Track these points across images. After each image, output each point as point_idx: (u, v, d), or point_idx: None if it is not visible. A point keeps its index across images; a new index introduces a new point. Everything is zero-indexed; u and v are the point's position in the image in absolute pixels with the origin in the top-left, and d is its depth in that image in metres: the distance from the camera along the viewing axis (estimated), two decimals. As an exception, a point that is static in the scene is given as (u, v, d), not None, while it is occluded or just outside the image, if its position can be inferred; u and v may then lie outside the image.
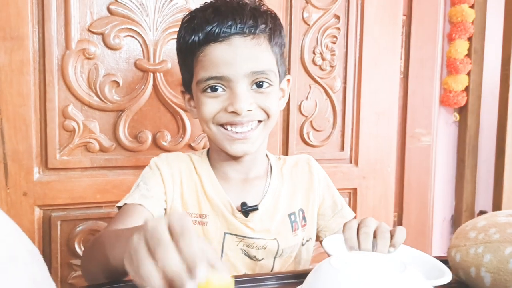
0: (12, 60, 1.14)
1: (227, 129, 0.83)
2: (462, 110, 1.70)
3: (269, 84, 0.83)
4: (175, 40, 1.26)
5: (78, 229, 1.25)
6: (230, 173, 0.92)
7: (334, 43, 1.47)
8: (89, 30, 1.21)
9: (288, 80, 0.94)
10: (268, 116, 0.84)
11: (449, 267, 0.60)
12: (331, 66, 1.47)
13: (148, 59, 1.26)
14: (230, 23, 0.79)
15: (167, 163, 0.91)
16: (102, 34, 1.22)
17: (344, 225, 0.71)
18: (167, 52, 1.28)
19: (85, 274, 0.78)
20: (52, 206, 1.21)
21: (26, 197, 1.18)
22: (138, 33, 1.24)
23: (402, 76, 1.59)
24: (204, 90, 0.82)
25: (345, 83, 1.49)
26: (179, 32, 0.88)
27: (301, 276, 0.65)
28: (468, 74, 1.65)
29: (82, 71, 1.22)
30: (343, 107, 1.49)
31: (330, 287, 0.42)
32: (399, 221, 1.63)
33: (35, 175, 1.19)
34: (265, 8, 0.87)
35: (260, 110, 0.83)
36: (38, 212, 1.20)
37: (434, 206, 1.68)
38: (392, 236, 0.68)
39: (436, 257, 0.66)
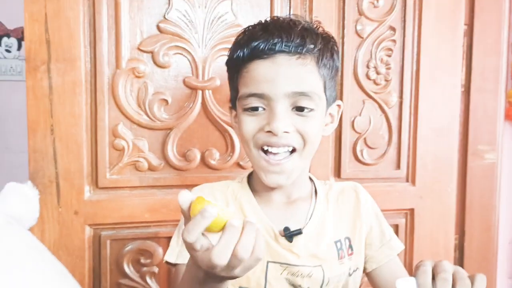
0: (64, 81, 1.15)
1: (265, 153, 0.80)
2: (530, 125, 1.58)
3: (311, 108, 0.79)
4: (224, 57, 1.26)
5: (127, 248, 1.24)
6: (272, 196, 0.89)
7: (390, 56, 1.39)
8: (139, 49, 1.21)
9: (338, 106, 0.90)
10: (305, 143, 0.80)
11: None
12: (386, 80, 1.39)
13: (197, 76, 1.25)
14: (276, 40, 0.76)
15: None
16: (151, 52, 1.22)
17: (417, 267, 0.64)
18: (216, 69, 1.26)
19: None
20: (102, 225, 1.22)
21: (77, 216, 1.19)
22: (187, 50, 1.23)
23: (463, 89, 1.49)
24: (245, 109, 0.80)
25: (401, 97, 1.41)
26: (230, 49, 0.87)
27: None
28: (536, 85, 1.53)
29: (131, 89, 1.22)
30: (399, 123, 1.41)
31: None
32: (460, 244, 1.53)
33: (86, 194, 1.20)
34: (320, 30, 0.83)
35: (297, 134, 0.79)
36: (88, 231, 1.21)
37: (499, 228, 1.56)
38: (472, 284, 0.61)
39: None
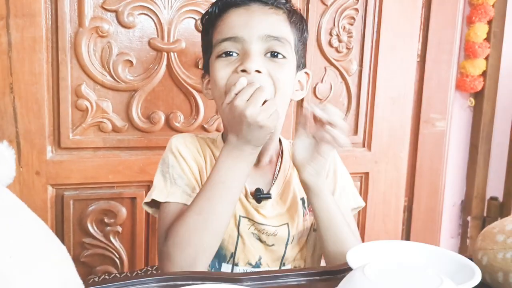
0: (24, 38, 1.11)
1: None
2: (478, 95, 1.67)
3: (284, 56, 0.80)
4: (190, 19, 1.25)
5: (90, 208, 1.25)
6: None
7: (352, 24, 1.43)
8: (102, 7, 1.18)
9: (307, 74, 0.91)
10: (276, 91, 0.78)
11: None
12: (347, 48, 1.43)
13: (162, 38, 1.24)
14: None
15: (186, 146, 0.90)
16: (115, 11, 1.19)
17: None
18: (182, 31, 1.25)
19: (181, 258, 0.75)
20: (64, 185, 1.21)
21: (38, 176, 1.17)
22: (153, 11, 1.21)
23: (418, 59, 1.55)
24: (219, 56, 0.80)
25: (361, 66, 1.46)
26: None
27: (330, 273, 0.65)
28: (486, 58, 1.61)
29: (95, 49, 1.19)
30: (358, 91, 1.47)
31: (365, 299, 0.41)
32: (409, 206, 1.63)
33: (48, 154, 1.18)
34: None
35: (269, 78, 0.78)
36: (50, 191, 1.20)
37: (445, 191, 1.67)
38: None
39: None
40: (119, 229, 1.28)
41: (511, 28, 1.64)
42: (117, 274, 1.23)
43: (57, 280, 0.44)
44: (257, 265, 0.88)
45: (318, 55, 1.40)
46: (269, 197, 0.88)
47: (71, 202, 1.23)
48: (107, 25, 1.19)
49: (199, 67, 1.27)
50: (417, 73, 1.56)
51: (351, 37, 1.43)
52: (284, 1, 0.83)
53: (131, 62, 1.22)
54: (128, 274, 1.20)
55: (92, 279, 1.17)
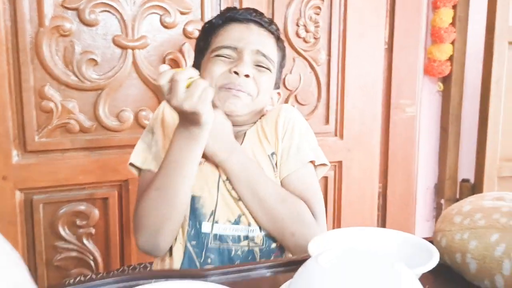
0: (-18, 40, 1.09)
1: (225, 90, 0.90)
2: (446, 80, 1.69)
3: (268, 68, 0.93)
4: (154, 15, 1.24)
5: (61, 211, 1.23)
6: None
7: (318, 14, 1.43)
8: (63, 6, 1.16)
9: (278, 94, 1.03)
10: (258, 93, 0.92)
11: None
12: (315, 38, 1.43)
13: (127, 35, 1.22)
14: (251, 12, 0.96)
15: (161, 121, 0.95)
16: (77, 9, 1.17)
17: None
18: (146, 27, 1.24)
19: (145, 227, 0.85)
20: (33, 189, 1.19)
21: (5, 181, 1.15)
22: (115, 7, 1.20)
23: (386, 46, 1.56)
24: (217, 56, 0.92)
25: (329, 55, 1.46)
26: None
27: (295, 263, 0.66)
28: (453, 43, 1.63)
29: (57, 49, 1.17)
30: (328, 80, 1.47)
31: (316, 286, 0.41)
32: (383, 192, 1.65)
33: (14, 158, 1.16)
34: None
35: (254, 82, 0.91)
36: (19, 196, 1.18)
37: (418, 175, 1.69)
38: None
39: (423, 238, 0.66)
40: (92, 230, 1.27)
41: (475, 12, 1.66)
42: (92, 276, 1.22)
43: (6, 284, 0.43)
44: (236, 222, 0.89)
45: (286, 46, 1.38)
46: None
47: (41, 206, 1.21)
48: (68, 23, 1.17)
49: (166, 63, 1.26)
50: (385, 60, 1.57)
51: (318, 27, 1.43)
52: (275, 28, 0.98)
53: (95, 60, 1.20)
54: (103, 274, 1.18)
55: (67, 281, 1.16)
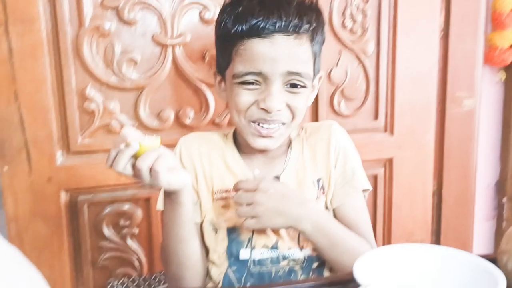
0: (24, 43, 1.10)
1: (255, 125, 0.85)
2: (509, 69, 1.55)
3: (302, 86, 0.84)
4: (194, 11, 1.21)
5: (105, 211, 1.23)
6: (253, 153, 0.93)
7: (366, 2, 1.34)
8: (102, 5, 1.15)
9: (320, 77, 0.94)
10: (293, 118, 0.86)
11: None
12: (362, 29, 1.35)
13: (166, 32, 1.20)
14: (275, 20, 0.79)
15: (185, 148, 0.94)
16: (116, 8, 1.16)
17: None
18: (185, 24, 1.21)
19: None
20: (77, 190, 1.20)
21: (50, 183, 1.17)
22: (153, 5, 1.17)
23: (441, 34, 1.45)
24: (241, 83, 0.83)
25: (378, 46, 1.37)
26: (220, 15, 0.87)
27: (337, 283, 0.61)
28: (516, 28, 1.49)
29: (97, 49, 1.17)
30: (377, 73, 1.38)
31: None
32: (438, 191, 1.54)
33: (58, 160, 1.17)
34: (310, 1, 0.86)
35: (288, 110, 0.84)
36: (64, 197, 1.19)
37: (477, 173, 1.57)
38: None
39: (483, 256, 0.58)
40: (136, 230, 1.26)
41: (543, -7, 1.51)
42: (136, 277, 1.22)
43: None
44: (274, 247, 0.89)
45: (332, 38, 1.32)
46: (277, 178, 0.91)
47: (85, 206, 1.22)
48: (108, 23, 1.16)
49: (206, 60, 1.23)
50: (441, 49, 1.46)
51: (365, 16, 1.34)
52: (308, 26, 0.82)
53: (135, 60, 1.19)
54: (145, 277, 1.18)
55: (111, 283, 1.17)
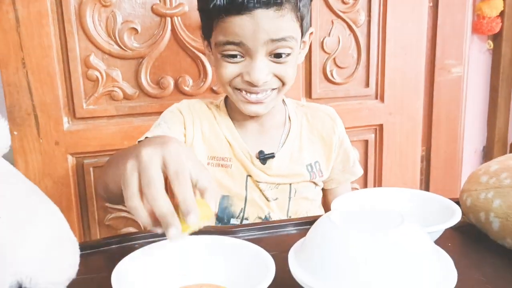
0: (30, 12, 1.14)
1: (242, 93, 0.85)
2: (497, 37, 1.61)
3: (288, 53, 0.82)
4: (191, -18, 1.25)
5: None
6: (247, 123, 0.95)
7: (358, -28, 1.39)
8: (103, -24, 1.19)
9: (311, 33, 0.92)
10: (283, 84, 0.86)
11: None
12: (354, -2, 1.40)
13: (165, 3, 1.25)
14: None
15: (188, 108, 0.97)
16: (116, -21, 1.20)
17: None
18: (184, -6, 1.26)
19: (98, 194, 0.84)
20: (83, 154, 1.27)
21: (58, 146, 1.23)
22: (152, -24, 1.22)
23: (430, 4, 1.50)
24: (223, 55, 0.82)
25: (369, 16, 1.42)
26: None
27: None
28: (504, -3, 1.54)
29: (100, 19, 1.22)
30: (368, 42, 1.44)
31: (327, 241, 0.43)
32: (427, 155, 1.61)
33: (65, 125, 1.23)
34: None
35: (276, 78, 0.84)
36: (71, 160, 1.26)
37: (464, 138, 1.64)
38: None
39: (451, 199, 0.66)
40: (139, 192, 1.33)
41: (531, -37, 1.55)
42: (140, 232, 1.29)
43: (48, 237, 0.48)
44: (266, 218, 0.93)
45: (324, 8, 1.38)
46: (273, 157, 0.92)
47: (91, 169, 1.28)
48: (109, -7, 1.20)
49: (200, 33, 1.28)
50: (430, 19, 1.51)
51: (357, -14, 1.39)
52: None
53: (136, 29, 1.24)
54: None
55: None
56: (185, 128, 0.93)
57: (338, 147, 0.99)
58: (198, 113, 0.96)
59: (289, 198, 0.94)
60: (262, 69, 0.80)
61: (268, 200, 0.93)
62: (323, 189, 1.04)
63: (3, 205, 0.45)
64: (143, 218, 0.48)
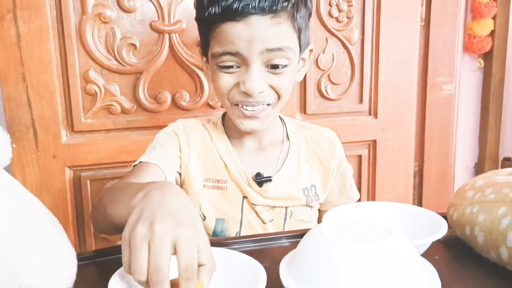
0: (31, 29, 1.17)
1: (239, 107, 0.84)
2: (487, 56, 1.65)
3: (285, 64, 0.81)
4: (189, 0, 1.28)
5: (106, 187, 1.32)
6: (245, 141, 0.94)
7: (351, -8, 1.43)
8: (103, -6, 1.23)
9: (310, 50, 0.92)
10: (279, 97, 0.84)
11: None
12: (348, 17, 1.44)
13: (163, 20, 1.28)
14: (248, 1, 0.74)
15: (184, 128, 0.95)
16: (116, -3, 1.23)
17: None
18: (182, 12, 1.29)
19: (94, 223, 0.81)
20: (81, 167, 1.28)
21: (56, 159, 1.25)
22: (151, -6, 1.25)
23: (423, 23, 1.54)
24: (218, 66, 0.82)
25: (363, 34, 1.46)
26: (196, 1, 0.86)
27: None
28: (494, 18, 1.58)
29: (99, 35, 1.24)
30: (361, 59, 1.48)
31: (316, 252, 0.45)
32: (420, 171, 1.64)
33: (63, 138, 1.25)
34: None
35: (271, 91, 0.82)
36: (68, 173, 1.27)
37: (456, 155, 1.67)
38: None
39: (439, 213, 0.68)
40: (135, 205, 1.34)
41: (520, -16, 1.60)
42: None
43: (48, 247, 0.50)
44: None
45: (319, 26, 1.42)
46: (270, 180, 0.91)
47: (88, 182, 1.30)
48: (109, 11, 1.23)
49: (199, 49, 1.31)
50: (422, 37, 1.55)
51: (351, 6, 1.43)
52: (286, 4, 0.77)
53: (134, 45, 1.27)
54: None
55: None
56: (180, 151, 0.92)
57: (336, 172, 0.99)
58: (193, 133, 0.95)
59: (285, 220, 0.94)
60: (258, 79, 0.78)
61: (264, 223, 0.92)
62: (319, 210, 1.02)
63: (4, 216, 0.47)
64: (140, 280, 0.46)
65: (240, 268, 0.51)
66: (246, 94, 0.80)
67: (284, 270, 0.47)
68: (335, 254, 0.43)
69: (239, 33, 0.76)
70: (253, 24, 0.75)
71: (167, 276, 0.45)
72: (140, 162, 0.87)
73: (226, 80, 0.82)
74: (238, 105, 0.84)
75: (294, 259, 0.48)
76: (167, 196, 0.53)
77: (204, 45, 0.87)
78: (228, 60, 0.80)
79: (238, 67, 0.81)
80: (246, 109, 0.83)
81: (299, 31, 0.82)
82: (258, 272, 0.48)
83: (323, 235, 0.46)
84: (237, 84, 0.81)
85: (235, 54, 0.78)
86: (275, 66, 0.80)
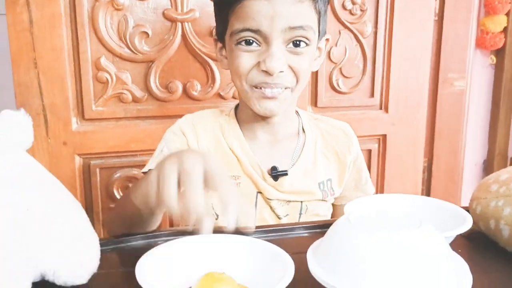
0: (44, 14, 1.16)
1: (258, 89, 0.82)
2: (499, 52, 1.64)
3: (306, 43, 0.79)
4: (203, -11, 1.27)
5: (115, 176, 1.31)
6: (259, 133, 0.92)
7: (365, -15, 1.42)
8: (116, -19, 1.21)
9: (327, 39, 0.91)
10: (297, 81, 0.82)
11: (470, 218, 0.62)
12: (361, 10, 1.42)
13: (176, 8, 1.26)
14: None
15: (192, 124, 0.93)
16: (129, -16, 1.22)
17: None
18: (195, 1, 1.28)
19: (107, 223, 0.84)
20: (90, 155, 1.28)
21: (66, 146, 1.24)
22: (165, -18, 1.24)
23: (436, 18, 1.53)
24: (238, 43, 0.79)
25: (376, 27, 1.45)
26: None
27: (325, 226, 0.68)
28: (507, 14, 1.57)
29: (112, 22, 1.23)
30: (374, 53, 1.46)
31: (346, 242, 0.45)
32: (429, 166, 1.64)
33: (73, 126, 1.25)
34: None
35: (291, 72, 0.81)
36: (78, 160, 1.27)
37: (465, 151, 1.66)
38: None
39: (462, 207, 0.67)
40: (144, 194, 1.34)
41: (534, -19, 1.59)
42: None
43: (71, 231, 0.50)
44: None
45: (332, 18, 1.40)
46: (286, 174, 0.89)
47: (97, 170, 1.29)
48: (122, -2, 1.22)
49: (213, 35, 1.30)
50: (435, 32, 1.54)
51: (365, -2, 1.42)
52: None
53: (147, 33, 1.26)
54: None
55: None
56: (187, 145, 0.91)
57: (352, 166, 0.97)
58: (203, 127, 0.93)
59: (300, 214, 0.92)
60: (279, 57, 0.77)
61: (279, 218, 0.91)
62: (332, 205, 1.00)
63: (30, 198, 0.47)
64: (174, 209, 0.52)
65: (267, 256, 0.50)
66: (267, 73, 0.78)
67: (312, 259, 0.46)
68: (366, 243, 0.43)
69: (261, 10, 0.75)
70: (276, 1, 0.74)
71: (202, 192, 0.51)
72: (150, 170, 0.87)
73: (246, 59, 0.80)
74: (257, 87, 0.82)
75: (321, 248, 0.47)
76: (184, 152, 0.57)
77: (222, 27, 0.85)
78: (248, 36, 0.78)
79: (258, 45, 0.79)
80: (265, 90, 0.81)
81: (319, 14, 0.81)
82: (285, 260, 0.48)
83: (353, 225, 0.45)
84: (257, 64, 0.79)
85: (256, 31, 0.77)
86: (296, 45, 0.78)
